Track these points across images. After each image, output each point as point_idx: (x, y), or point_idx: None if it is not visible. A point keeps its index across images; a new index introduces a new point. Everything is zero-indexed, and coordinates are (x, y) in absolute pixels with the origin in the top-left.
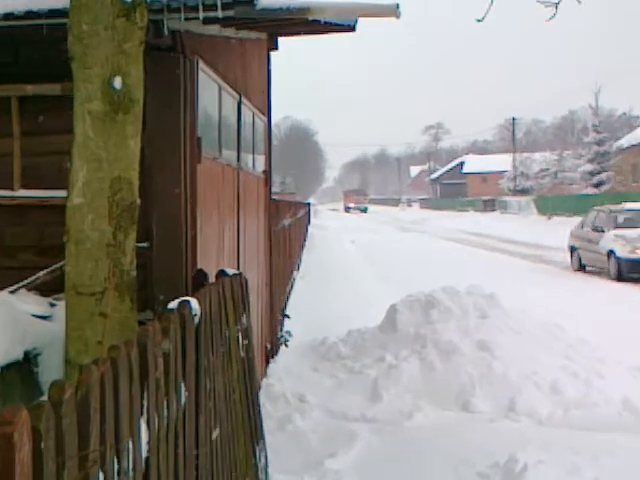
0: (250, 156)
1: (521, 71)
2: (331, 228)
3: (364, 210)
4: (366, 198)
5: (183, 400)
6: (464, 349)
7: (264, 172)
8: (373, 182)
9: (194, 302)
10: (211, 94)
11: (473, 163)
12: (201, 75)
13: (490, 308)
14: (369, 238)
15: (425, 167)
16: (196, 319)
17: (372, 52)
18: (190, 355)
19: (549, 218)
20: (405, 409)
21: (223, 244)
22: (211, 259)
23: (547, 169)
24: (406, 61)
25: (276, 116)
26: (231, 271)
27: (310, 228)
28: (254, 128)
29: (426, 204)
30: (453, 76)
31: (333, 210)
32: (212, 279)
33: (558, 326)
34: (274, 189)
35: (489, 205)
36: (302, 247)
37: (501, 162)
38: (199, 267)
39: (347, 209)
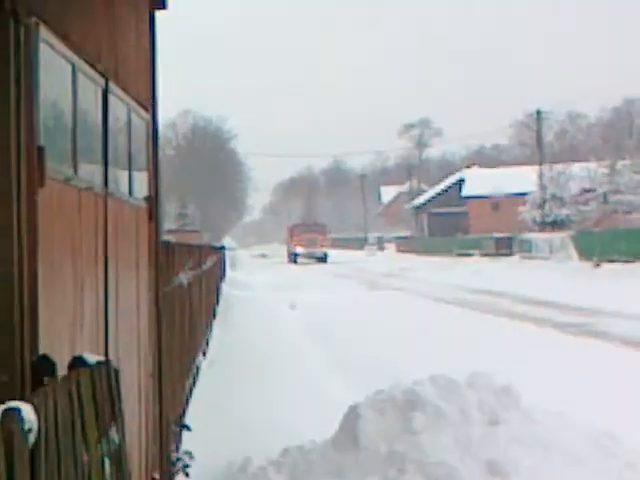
0: (125, 174)
1: (550, 43)
2: (258, 285)
3: (323, 258)
4: (325, 237)
5: None
6: (465, 474)
7: (148, 199)
8: (324, 213)
9: (28, 410)
10: (60, 78)
11: (478, 181)
12: (43, 48)
13: (505, 409)
14: (318, 301)
15: (404, 188)
16: (31, 437)
17: (323, 20)
18: None
19: (597, 265)
20: None
21: (82, 315)
22: (62, 339)
23: (592, 189)
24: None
25: (170, 110)
26: (94, 358)
27: (225, 287)
28: (130, 130)
29: (406, 245)
30: (445, 54)
31: (262, 256)
32: (63, 370)
33: (611, 436)
34: (167, 224)
35: (504, 246)
36: (211, 317)
37: (521, 179)
38: (42, 352)
39: (294, 257)
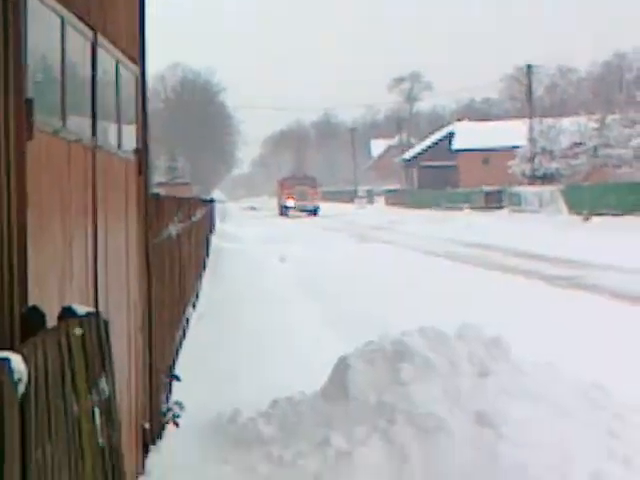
0: (113, 127)
1: None
2: (248, 238)
3: (314, 211)
4: (316, 190)
5: None
6: (454, 425)
7: (137, 152)
8: (314, 166)
9: (17, 360)
10: (48, 31)
11: (468, 135)
12: (32, 1)
13: (494, 361)
14: (308, 254)
15: (394, 141)
16: (21, 387)
17: None
18: (12, 445)
19: (586, 219)
20: None
21: (71, 267)
22: (51, 291)
23: (582, 143)
24: None
25: (159, 64)
26: (83, 309)
27: (215, 239)
28: (119, 83)
29: (396, 199)
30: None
31: (252, 209)
32: (53, 322)
33: (600, 388)
34: (156, 177)
35: (494, 199)
36: (201, 270)
37: (511, 133)
38: (31, 303)
39: (284, 210)
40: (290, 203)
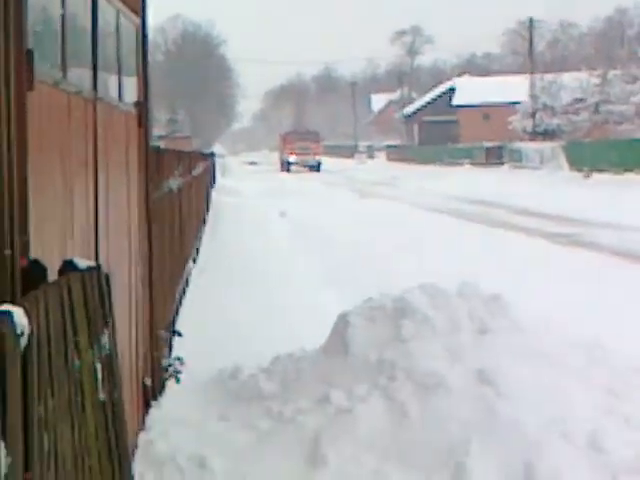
0: (114, 79)
1: None
2: (248, 193)
3: (316, 167)
4: (319, 145)
5: (3, 471)
6: (454, 382)
7: (137, 105)
8: (314, 120)
9: (19, 313)
10: None
11: (469, 90)
12: None
13: (494, 318)
14: (308, 209)
15: (395, 96)
16: (23, 340)
17: None
18: (14, 399)
19: (587, 176)
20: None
21: (72, 220)
22: (52, 243)
23: (583, 99)
24: None
25: (159, 15)
26: (84, 263)
27: (215, 194)
28: (120, 34)
29: (397, 154)
30: None
31: (251, 164)
32: (54, 275)
33: (599, 345)
34: (156, 131)
35: (494, 155)
36: (201, 224)
37: (513, 88)
38: (33, 256)
39: (287, 164)
40: (292, 158)
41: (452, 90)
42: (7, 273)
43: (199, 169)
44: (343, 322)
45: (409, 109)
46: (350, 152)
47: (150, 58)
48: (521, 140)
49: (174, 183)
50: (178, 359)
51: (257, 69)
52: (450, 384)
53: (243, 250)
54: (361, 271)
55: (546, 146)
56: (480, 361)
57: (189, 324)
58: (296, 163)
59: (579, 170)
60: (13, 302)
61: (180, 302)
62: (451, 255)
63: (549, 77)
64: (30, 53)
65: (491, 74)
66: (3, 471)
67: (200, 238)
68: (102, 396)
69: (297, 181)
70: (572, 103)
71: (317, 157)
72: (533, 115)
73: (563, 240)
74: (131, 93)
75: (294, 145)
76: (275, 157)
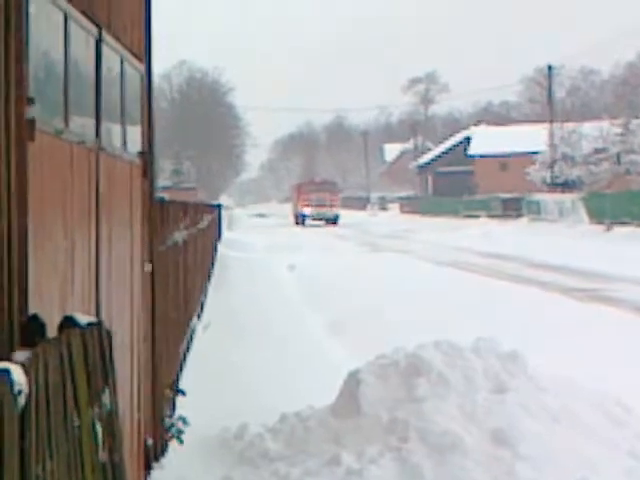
0: (118, 128)
1: None
2: (256, 247)
3: (334, 220)
4: (336, 196)
5: None
6: (470, 444)
7: (141, 154)
8: (325, 171)
9: (17, 371)
10: (52, 27)
11: (486, 140)
12: None
13: (511, 376)
14: (317, 262)
15: (409, 145)
16: (21, 399)
17: None
18: (11, 459)
19: (608, 229)
20: None
21: (72, 275)
22: (52, 299)
23: (605, 149)
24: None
25: (165, 61)
26: (85, 319)
27: (221, 247)
28: (124, 82)
29: (411, 206)
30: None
31: (260, 216)
32: (53, 331)
33: (621, 404)
34: (161, 182)
35: (512, 207)
36: (207, 279)
37: (531, 137)
38: (32, 312)
39: (301, 218)
40: (307, 211)
41: (468, 140)
42: (5, 329)
43: (205, 222)
44: (354, 380)
45: (423, 159)
46: (362, 204)
47: (155, 106)
48: (539, 191)
49: (179, 236)
50: (181, 419)
51: (266, 117)
52: (466, 445)
53: (251, 305)
54: (370, 322)
55: (566, 198)
56: (497, 421)
57: (193, 382)
58: (312, 216)
59: (599, 223)
60: (11, 359)
61: (184, 359)
62: (460, 310)
63: (569, 126)
64: (31, 101)
65: (508, 123)
66: None
67: (206, 293)
68: (102, 457)
69: (307, 235)
70: (593, 153)
71: (334, 209)
72: (552, 165)
73: (582, 295)
74: (135, 142)
75: (310, 196)
76: (285, 209)
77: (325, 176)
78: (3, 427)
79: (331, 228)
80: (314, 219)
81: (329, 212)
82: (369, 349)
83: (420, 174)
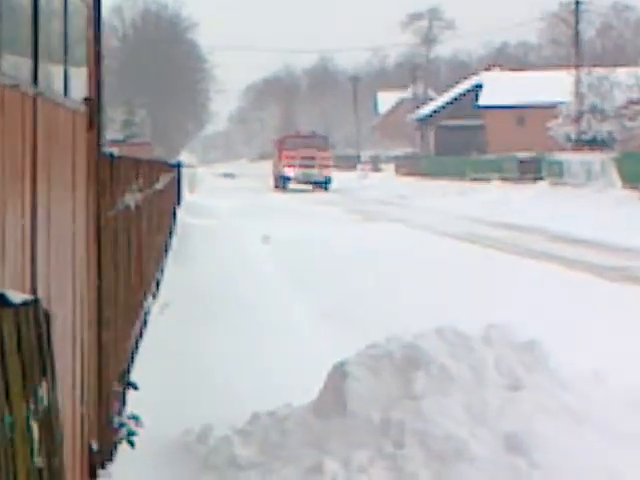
0: (59, 69)
1: None
2: (224, 212)
3: (323, 184)
4: (328, 155)
5: None
6: (477, 451)
7: (87, 101)
8: (306, 124)
9: None
10: None
11: (499, 88)
12: None
13: (528, 371)
14: (298, 234)
15: (407, 94)
16: None
17: None
18: None
19: None
20: None
21: (2, 245)
22: None
23: None
24: None
25: None
26: (18, 297)
27: (181, 213)
28: (67, 14)
29: (409, 167)
30: None
31: (227, 177)
32: None
33: None
34: (110, 134)
35: (529, 169)
36: (164, 251)
37: (553, 86)
38: None
39: (283, 181)
40: (291, 172)
41: (478, 87)
42: None
43: (162, 182)
44: (339, 373)
45: (424, 111)
46: (351, 163)
47: (104, 44)
48: (563, 150)
49: (131, 199)
50: (133, 417)
51: (236, 59)
52: (472, 452)
53: (218, 284)
54: (361, 304)
55: (594, 158)
56: (510, 424)
57: (147, 374)
58: (296, 179)
59: (634, 188)
60: None
61: (136, 346)
62: (468, 293)
63: (599, 72)
64: None
65: (527, 68)
66: None
67: (162, 267)
68: (38, 461)
69: (284, 199)
70: (627, 105)
71: (326, 171)
72: (578, 119)
73: (614, 275)
74: (80, 87)
75: (295, 154)
76: (258, 168)
77: (306, 130)
78: None
79: (312, 194)
80: (299, 182)
81: (318, 174)
82: (359, 337)
83: (420, 128)
